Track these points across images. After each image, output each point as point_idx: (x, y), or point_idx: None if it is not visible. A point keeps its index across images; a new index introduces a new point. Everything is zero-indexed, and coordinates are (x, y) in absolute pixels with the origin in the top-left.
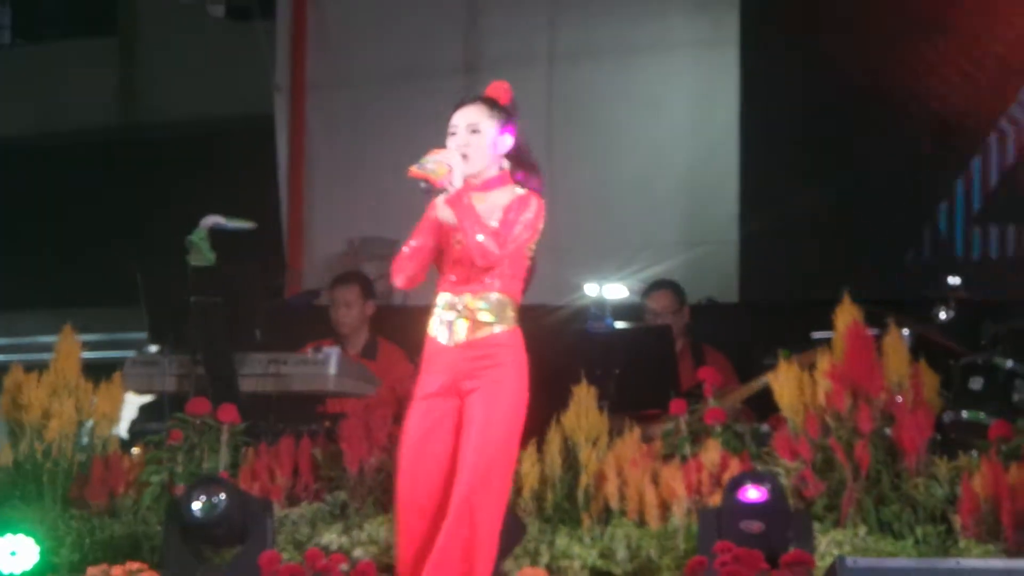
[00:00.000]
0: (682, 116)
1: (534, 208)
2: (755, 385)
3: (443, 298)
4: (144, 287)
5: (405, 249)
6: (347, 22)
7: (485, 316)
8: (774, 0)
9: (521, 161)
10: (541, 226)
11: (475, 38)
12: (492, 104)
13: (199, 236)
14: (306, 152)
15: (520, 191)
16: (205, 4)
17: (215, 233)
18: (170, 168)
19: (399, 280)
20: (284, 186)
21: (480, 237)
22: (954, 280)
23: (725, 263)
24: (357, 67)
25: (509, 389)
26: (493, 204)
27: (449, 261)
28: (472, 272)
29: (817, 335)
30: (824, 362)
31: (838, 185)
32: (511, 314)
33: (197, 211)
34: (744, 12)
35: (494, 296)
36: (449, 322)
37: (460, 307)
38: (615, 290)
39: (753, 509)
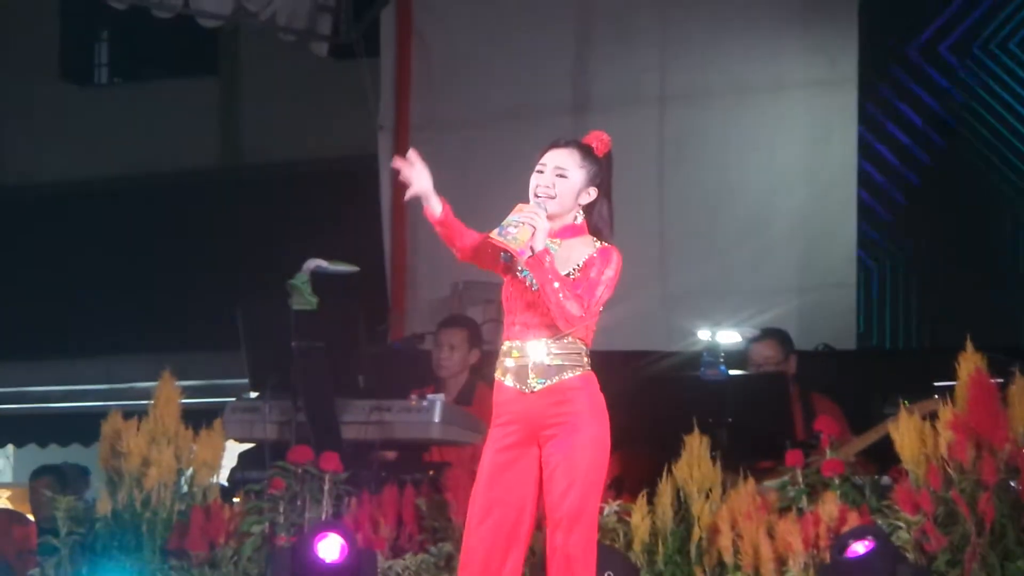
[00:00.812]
0: (797, 157)
1: (615, 265)
2: (875, 435)
3: (514, 344)
4: (244, 332)
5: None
6: (453, 60)
7: (558, 361)
8: (893, 39)
9: (595, 217)
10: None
11: (584, 78)
12: (586, 153)
13: (301, 280)
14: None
15: (599, 244)
16: (308, 43)
17: (317, 277)
18: (272, 210)
19: (466, 255)
20: (387, 228)
21: (564, 303)
22: None
23: (842, 308)
24: (463, 106)
25: (589, 434)
26: (569, 252)
27: (521, 305)
28: (545, 318)
29: (939, 384)
30: (946, 412)
31: (960, 228)
32: (585, 359)
33: (299, 254)
34: (863, 51)
35: (567, 341)
36: (522, 368)
37: (532, 353)
38: (728, 336)
39: (860, 565)
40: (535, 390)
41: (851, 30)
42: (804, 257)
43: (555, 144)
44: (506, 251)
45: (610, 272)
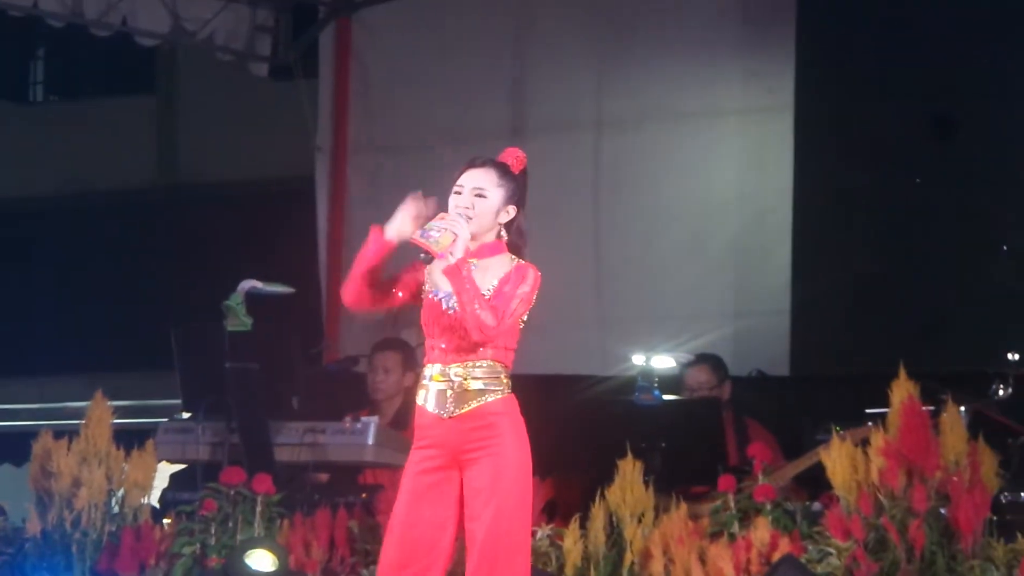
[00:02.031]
0: (732, 183)
1: (531, 281)
2: (807, 461)
3: (434, 368)
4: (178, 352)
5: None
6: (391, 83)
7: (479, 384)
8: (831, 67)
9: (513, 234)
10: (534, 298)
11: (521, 102)
12: (504, 171)
13: (235, 301)
14: (347, 214)
15: (516, 260)
16: (246, 63)
17: (252, 297)
18: (207, 230)
19: (350, 297)
20: (324, 250)
21: (478, 312)
22: (1013, 356)
23: (776, 334)
24: (400, 129)
25: (512, 457)
26: (486, 270)
27: (439, 328)
28: (464, 341)
29: (871, 411)
30: (878, 439)
31: (894, 255)
32: (505, 380)
33: (234, 275)
34: (799, 79)
35: (487, 364)
36: (442, 392)
37: (452, 376)
38: (663, 361)
39: None
40: (454, 415)
41: (788, 57)
42: (739, 283)
43: (471, 164)
44: (427, 252)
45: (525, 288)
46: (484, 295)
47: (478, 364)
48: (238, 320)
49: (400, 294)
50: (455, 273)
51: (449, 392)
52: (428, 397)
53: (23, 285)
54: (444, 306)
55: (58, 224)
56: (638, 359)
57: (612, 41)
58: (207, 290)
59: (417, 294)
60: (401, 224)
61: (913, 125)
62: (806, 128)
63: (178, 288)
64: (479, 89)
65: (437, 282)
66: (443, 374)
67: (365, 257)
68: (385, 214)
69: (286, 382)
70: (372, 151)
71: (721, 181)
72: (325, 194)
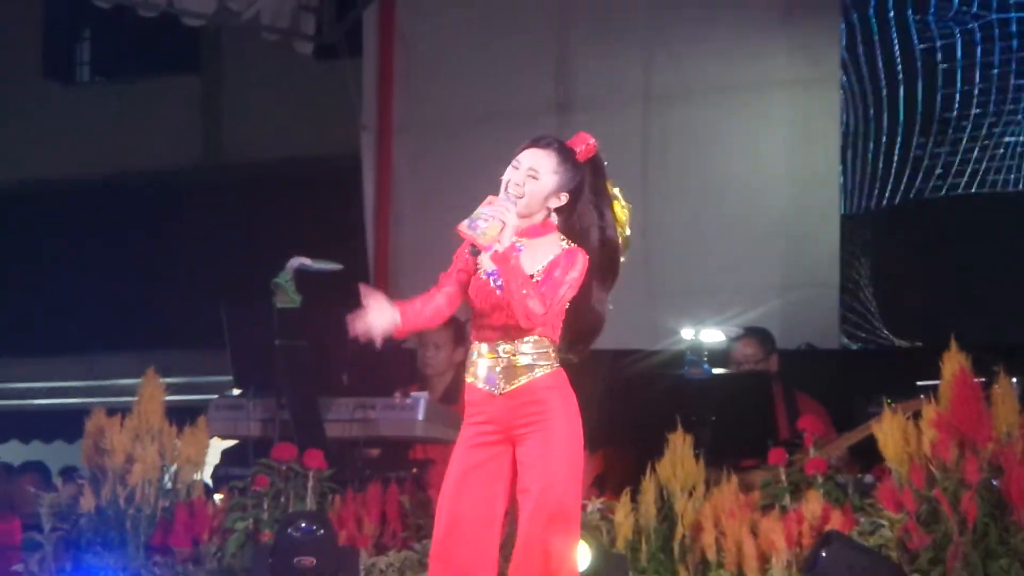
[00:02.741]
0: (780, 157)
1: (580, 266)
2: (858, 434)
3: (482, 346)
4: (229, 329)
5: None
6: (436, 60)
7: (527, 360)
8: (876, 38)
9: (573, 220)
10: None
11: (567, 77)
12: (566, 157)
13: (284, 278)
14: (393, 192)
15: (565, 244)
16: (291, 42)
17: (301, 275)
18: (255, 208)
19: (399, 328)
20: (371, 227)
21: (527, 300)
22: None
23: (825, 308)
24: (445, 107)
25: (562, 431)
26: (535, 251)
27: (487, 306)
28: (511, 319)
29: (922, 383)
30: (930, 411)
31: (945, 226)
32: (553, 355)
33: (283, 252)
34: (846, 49)
35: (535, 339)
36: (491, 369)
37: (501, 353)
38: (712, 335)
39: None
40: (504, 391)
41: (834, 29)
42: (787, 256)
43: (535, 142)
44: (474, 245)
45: (574, 274)
46: (532, 279)
47: (526, 340)
48: (287, 297)
49: (457, 297)
50: (503, 261)
51: (498, 368)
52: (477, 374)
53: (71, 264)
54: (492, 284)
55: (104, 203)
56: (687, 333)
57: (658, 14)
58: (255, 268)
59: (468, 279)
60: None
61: (957, 95)
62: (852, 100)
63: (226, 266)
64: (524, 66)
65: (484, 262)
66: (492, 351)
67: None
68: (431, 191)
69: (335, 358)
70: (417, 129)
71: (769, 154)
72: (371, 172)
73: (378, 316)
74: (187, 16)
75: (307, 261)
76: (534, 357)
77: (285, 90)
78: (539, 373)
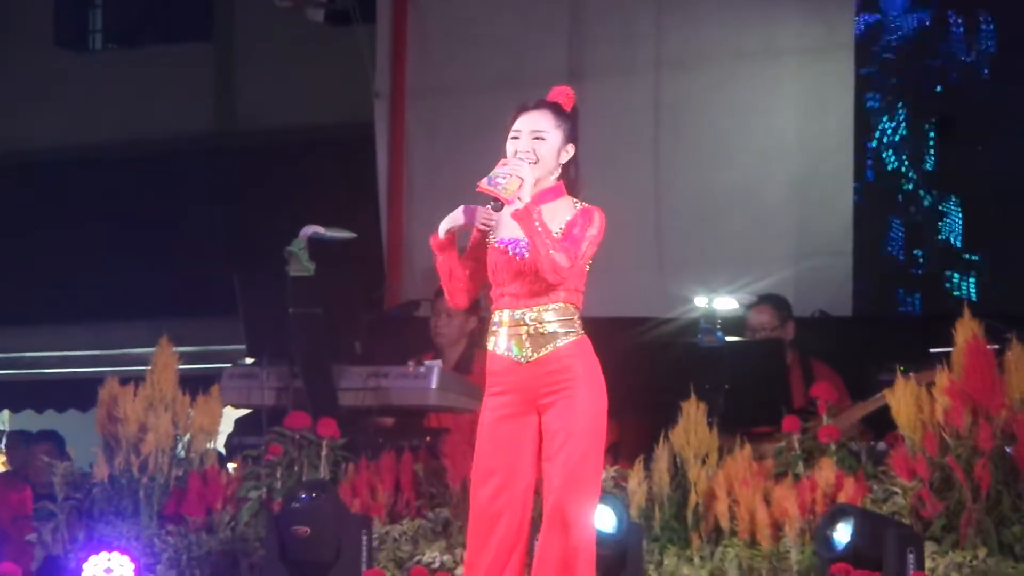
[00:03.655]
0: (793, 124)
1: (598, 223)
2: (872, 402)
3: (504, 314)
4: (242, 298)
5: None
6: (449, 27)
7: (553, 327)
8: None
9: (571, 172)
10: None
11: (579, 44)
12: (558, 110)
13: (298, 246)
14: (407, 160)
15: (580, 204)
16: (303, 8)
17: (314, 243)
18: (268, 176)
19: (459, 302)
20: (384, 194)
21: (552, 253)
22: None
23: (839, 275)
24: (459, 73)
25: (587, 399)
26: (552, 214)
27: (508, 275)
28: (535, 285)
29: (935, 350)
30: (943, 378)
31: (959, 195)
32: (578, 322)
33: (296, 220)
34: (860, 15)
35: (559, 307)
36: (517, 337)
37: (527, 321)
38: (725, 303)
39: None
40: (531, 359)
41: None
42: (801, 223)
43: (524, 108)
44: (496, 199)
45: (593, 230)
46: (555, 236)
47: (551, 307)
48: (301, 265)
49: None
50: (526, 217)
51: (524, 336)
52: (500, 343)
53: (84, 232)
54: (511, 252)
55: (120, 171)
56: (700, 301)
57: None
58: (268, 236)
59: (483, 250)
60: (453, 221)
61: (973, 63)
62: (866, 67)
63: (239, 234)
64: (536, 32)
65: (500, 230)
66: (515, 319)
67: (440, 268)
68: (444, 158)
69: (349, 327)
70: (430, 96)
71: (782, 121)
72: (384, 139)
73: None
74: None
75: (320, 229)
76: (559, 324)
77: (298, 57)
78: (564, 341)
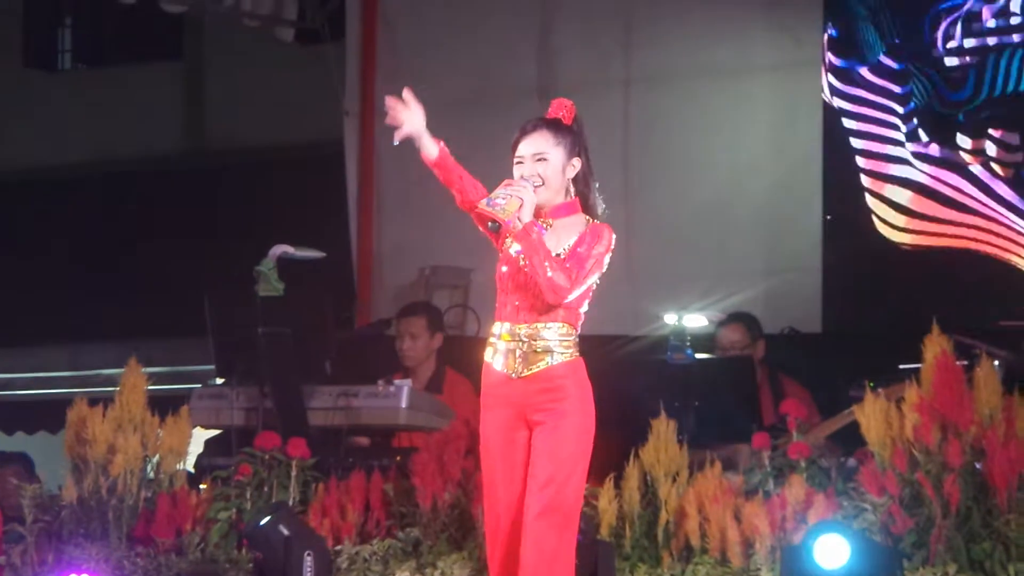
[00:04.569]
0: (762, 141)
1: (606, 242)
2: (841, 418)
3: (504, 327)
4: (212, 318)
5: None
6: (419, 45)
7: (547, 346)
8: (858, 19)
9: (580, 183)
10: (607, 259)
11: (549, 61)
12: (557, 127)
13: (267, 266)
14: (376, 179)
15: (591, 221)
16: (273, 28)
17: (284, 263)
18: (238, 195)
19: (466, 202)
20: (354, 213)
21: (550, 273)
22: None
23: (808, 291)
24: (429, 91)
25: (575, 421)
26: (562, 231)
27: (513, 285)
28: (536, 300)
29: (905, 366)
30: (912, 394)
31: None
32: (574, 343)
33: (266, 240)
34: (828, 32)
35: (556, 326)
36: (511, 352)
37: (522, 336)
38: (695, 320)
39: None
40: (523, 375)
41: (816, 11)
42: (770, 240)
43: (523, 131)
44: (494, 220)
45: (600, 248)
46: (557, 256)
47: (548, 325)
48: (270, 285)
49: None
50: (525, 236)
51: (518, 352)
52: (496, 356)
53: (54, 253)
54: (521, 263)
55: (89, 191)
56: (670, 318)
57: None
58: (238, 255)
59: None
60: (410, 122)
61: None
62: (835, 83)
63: (209, 254)
64: (507, 49)
65: (511, 241)
66: (512, 334)
67: (444, 180)
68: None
69: (319, 347)
70: None
71: (751, 138)
72: (354, 158)
73: (410, 114)
74: (167, 2)
75: (290, 249)
76: (554, 343)
77: (268, 76)
78: (558, 360)
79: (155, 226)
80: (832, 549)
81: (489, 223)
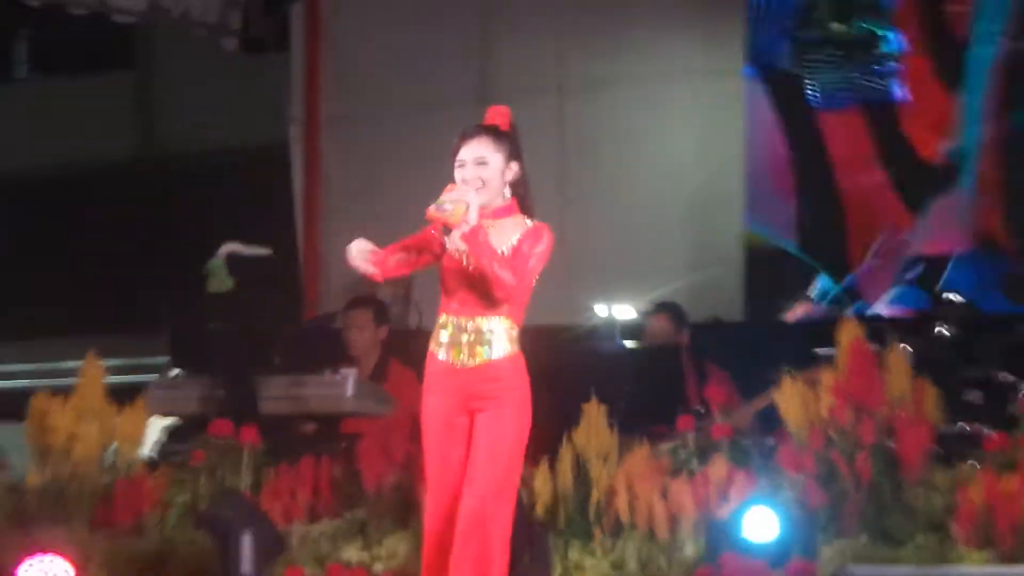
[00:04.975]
0: (688, 144)
1: (546, 240)
2: (760, 400)
3: (451, 320)
4: (167, 313)
5: (399, 254)
6: (361, 54)
7: (491, 338)
8: (779, 29)
9: (519, 187)
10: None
11: (488, 70)
12: (496, 134)
13: (217, 264)
14: (322, 181)
15: (530, 222)
16: (219, 37)
17: (233, 260)
18: (188, 198)
19: (377, 273)
20: (300, 215)
21: (499, 271)
22: (955, 297)
23: (731, 284)
24: (371, 98)
25: (514, 410)
26: (502, 232)
27: (456, 282)
28: (481, 297)
29: (821, 352)
30: (827, 378)
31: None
32: (515, 337)
33: (216, 240)
34: (750, 40)
35: (498, 319)
36: (457, 344)
37: (469, 330)
38: (624, 311)
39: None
40: (466, 366)
41: (739, 20)
42: (696, 237)
43: (464, 136)
44: (445, 225)
45: (541, 247)
46: (501, 255)
47: (492, 319)
48: (220, 282)
49: (424, 259)
50: (472, 238)
51: (464, 343)
52: (440, 347)
53: (16, 253)
54: (464, 262)
55: (46, 195)
56: (601, 309)
57: (572, 7)
58: (191, 255)
59: (441, 252)
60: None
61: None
62: (756, 89)
63: (163, 253)
64: (446, 58)
65: (455, 241)
66: (457, 327)
67: (394, 272)
68: (359, 180)
69: (266, 339)
70: (345, 121)
71: (677, 141)
72: (300, 163)
73: (358, 245)
74: (118, 13)
75: (239, 247)
76: (496, 336)
77: (216, 84)
78: (500, 353)
79: (112, 228)
80: (760, 522)
81: (441, 228)
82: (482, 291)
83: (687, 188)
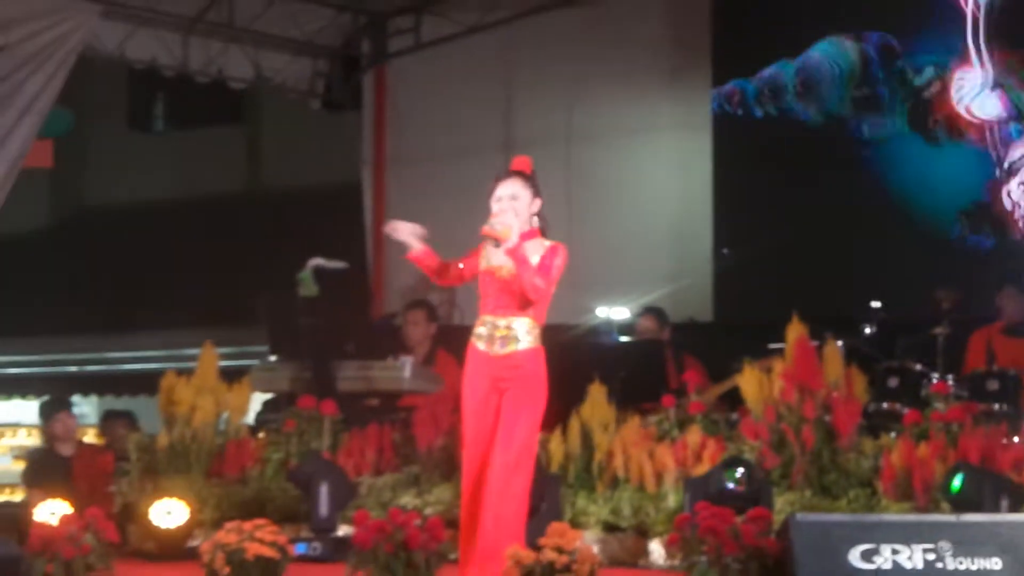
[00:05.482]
0: (667, 184)
1: (562, 256)
2: (727, 384)
3: (488, 319)
4: (266, 312)
5: (460, 264)
6: (415, 112)
7: (517, 334)
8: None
9: (540, 217)
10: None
11: (510, 122)
12: (524, 176)
13: (306, 274)
14: (386, 210)
15: (548, 243)
16: (308, 99)
17: (318, 271)
18: (285, 224)
19: (438, 280)
20: (370, 237)
21: (536, 280)
22: (875, 303)
23: (703, 292)
24: (422, 147)
25: (533, 392)
26: (528, 250)
27: (493, 290)
28: (512, 300)
29: (773, 346)
30: (778, 366)
31: (789, 234)
32: (537, 334)
33: (305, 256)
34: (715, 99)
35: (527, 321)
36: (492, 337)
37: (503, 327)
38: (620, 313)
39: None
40: (499, 354)
41: (706, 83)
42: (675, 255)
43: (499, 179)
44: (496, 239)
45: (559, 261)
46: (537, 269)
47: (518, 319)
48: (308, 288)
49: (468, 272)
50: (515, 252)
51: (497, 337)
52: (479, 340)
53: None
54: (498, 275)
55: (175, 221)
56: (601, 311)
57: (580, 72)
58: (287, 267)
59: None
60: (403, 235)
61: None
62: (721, 139)
63: (265, 266)
64: (478, 115)
65: (490, 257)
66: (492, 324)
67: (422, 268)
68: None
69: (344, 333)
70: (402, 164)
71: (658, 182)
72: (369, 196)
73: (408, 228)
74: (233, 81)
75: (322, 261)
76: (522, 333)
77: (306, 136)
78: (524, 346)
79: (224, 245)
80: (735, 476)
81: (491, 241)
82: (512, 296)
83: (668, 216)
